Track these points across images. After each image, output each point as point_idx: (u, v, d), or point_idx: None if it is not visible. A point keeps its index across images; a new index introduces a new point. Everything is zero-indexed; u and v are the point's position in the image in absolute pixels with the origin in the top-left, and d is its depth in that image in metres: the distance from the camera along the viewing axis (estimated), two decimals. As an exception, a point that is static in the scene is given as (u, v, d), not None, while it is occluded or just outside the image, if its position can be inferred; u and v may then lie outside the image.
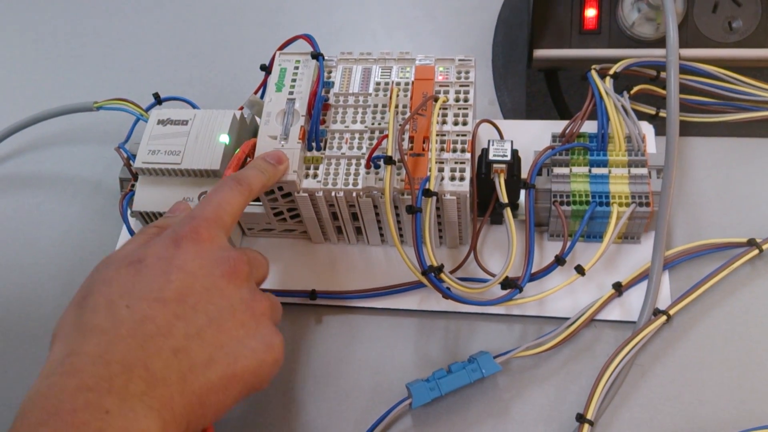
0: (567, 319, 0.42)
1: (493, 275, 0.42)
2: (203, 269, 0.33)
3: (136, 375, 0.29)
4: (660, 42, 0.48)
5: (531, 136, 0.46)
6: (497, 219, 0.46)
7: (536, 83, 0.54)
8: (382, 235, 0.46)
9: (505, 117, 0.53)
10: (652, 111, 0.48)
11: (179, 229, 0.34)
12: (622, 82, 0.47)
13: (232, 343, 0.32)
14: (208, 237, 0.34)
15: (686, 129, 0.47)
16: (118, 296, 0.32)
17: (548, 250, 0.45)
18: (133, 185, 0.46)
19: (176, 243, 0.33)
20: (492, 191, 0.43)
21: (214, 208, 0.36)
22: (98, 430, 0.27)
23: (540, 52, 0.51)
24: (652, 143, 0.47)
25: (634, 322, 0.41)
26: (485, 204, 0.44)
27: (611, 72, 0.46)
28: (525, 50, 0.52)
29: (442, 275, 0.39)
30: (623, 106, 0.44)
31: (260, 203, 0.45)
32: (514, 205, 0.43)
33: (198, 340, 0.31)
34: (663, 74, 0.47)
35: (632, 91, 0.47)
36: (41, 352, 0.31)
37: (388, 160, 0.40)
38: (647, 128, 0.47)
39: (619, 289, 0.42)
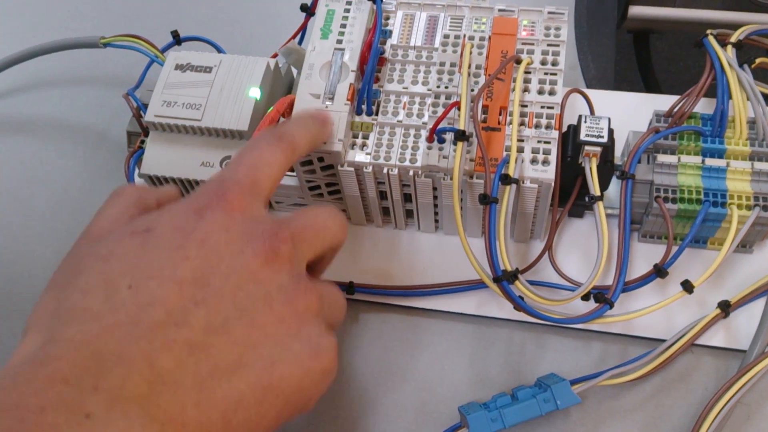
0: (656, 340, 0.35)
1: (573, 282, 0.35)
2: (231, 246, 0.25)
3: (136, 371, 0.22)
4: (789, 6, 0.39)
5: (622, 112, 0.38)
6: (576, 211, 0.38)
7: (622, 47, 0.46)
8: (437, 221, 0.38)
9: (588, 86, 0.44)
10: (767, 90, 0.40)
11: (202, 195, 0.26)
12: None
13: (269, 342, 0.25)
14: (240, 206, 0.26)
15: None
16: (118, 274, 0.24)
17: (638, 253, 0.37)
18: (142, 142, 0.39)
19: (198, 212, 0.26)
20: (575, 178, 0.36)
21: (249, 170, 0.27)
22: None
23: (637, 9, 0.42)
24: (770, 130, 0.38)
25: (740, 351, 0.34)
26: (565, 192, 0.36)
27: (733, 39, 0.37)
28: (615, 5, 0.44)
29: (517, 283, 0.32)
30: (749, 83, 0.35)
31: (293, 173, 0.37)
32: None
33: (224, 336, 0.24)
34: (787, 46, 0.39)
35: (753, 65, 0.38)
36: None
37: (460, 136, 0.32)
38: (764, 111, 0.39)
39: (726, 309, 0.34)
